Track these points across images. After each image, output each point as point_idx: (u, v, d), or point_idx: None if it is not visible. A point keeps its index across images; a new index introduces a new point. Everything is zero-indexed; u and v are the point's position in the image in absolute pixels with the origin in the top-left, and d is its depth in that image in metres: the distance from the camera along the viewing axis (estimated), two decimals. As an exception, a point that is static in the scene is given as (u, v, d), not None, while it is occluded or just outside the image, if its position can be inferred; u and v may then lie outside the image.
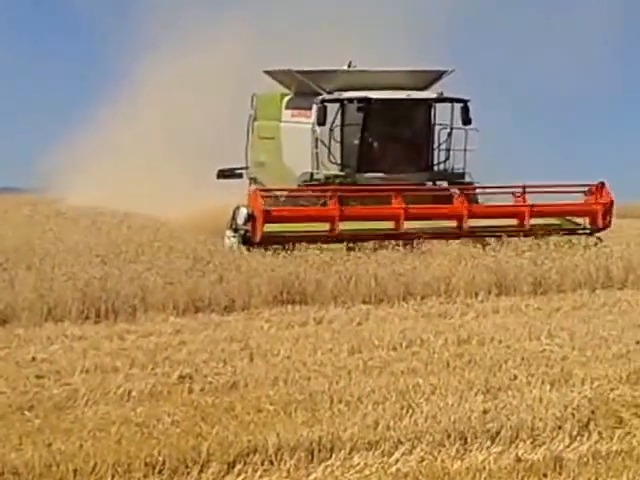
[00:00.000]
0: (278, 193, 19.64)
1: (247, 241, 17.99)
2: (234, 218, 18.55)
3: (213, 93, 26.00)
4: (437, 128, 20.27)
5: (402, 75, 20.49)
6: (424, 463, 7.68)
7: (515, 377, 10.09)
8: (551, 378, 9.98)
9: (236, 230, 18.18)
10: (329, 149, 19.78)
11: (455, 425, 8.33)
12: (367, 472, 7.56)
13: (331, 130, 19.75)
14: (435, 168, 20.32)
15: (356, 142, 20.01)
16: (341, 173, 19.83)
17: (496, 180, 20.21)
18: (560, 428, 8.31)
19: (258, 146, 22.08)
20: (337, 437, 8.06)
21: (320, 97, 19.82)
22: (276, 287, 15.16)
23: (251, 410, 9.02)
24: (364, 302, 15.15)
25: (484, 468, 7.51)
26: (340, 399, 9.27)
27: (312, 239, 17.57)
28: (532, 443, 8.04)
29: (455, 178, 20.19)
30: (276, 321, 13.54)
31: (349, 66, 20.66)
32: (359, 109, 19.86)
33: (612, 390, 9.47)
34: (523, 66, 34.17)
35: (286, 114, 21.28)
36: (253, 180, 22.03)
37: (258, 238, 17.83)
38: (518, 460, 7.69)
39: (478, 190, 19.89)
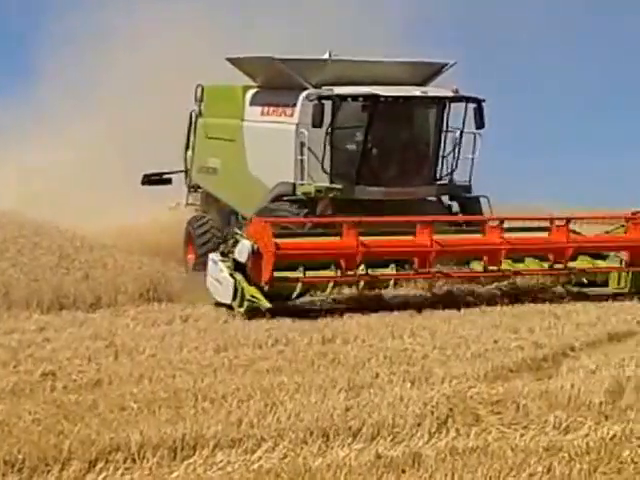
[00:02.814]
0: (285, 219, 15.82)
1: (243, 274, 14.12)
2: (225, 242, 14.98)
3: (154, 86, 22.67)
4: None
5: (399, 68, 17.35)
6: (286, 460, 7.76)
7: (377, 375, 10.28)
8: (412, 376, 10.19)
9: (224, 254, 14.41)
10: (323, 156, 16.29)
11: (318, 422, 8.45)
12: (229, 469, 7.61)
13: (327, 133, 16.26)
14: (442, 181, 17.13)
15: (356, 148, 16.63)
16: (337, 186, 16.31)
17: (494, 193, 17.13)
18: (419, 425, 8.48)
19: (206, 148, 18.64)
20: (201, 435, 8.09)
21: (313, 92, 16.45)
22: (143, 285, 15.09)
23: (115, 408, 8.99)
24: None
25: (345, 464, 7.63)
26: (205, 397, 9.31)
27: (328, 281, 14.39)
28: (392, 440, 8.20)
29: (460, 192, 17.10)
30: (142, 319, 13.49)
31: (330, 56, 17.27)
32: (364, 108, 16.49)
33: (470, 388, 9.71)
34: (531, 61, 30.83)
35: (252, 111, 17.66)
36: (194, 188, 19.06)
37: (265, 281, 13.88)
38: (378, 456, 7.82)
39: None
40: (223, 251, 14.50)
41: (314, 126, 16.08)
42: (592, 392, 9.44)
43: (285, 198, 16.45)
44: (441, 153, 17.01)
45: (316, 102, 16.16)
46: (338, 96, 16.32)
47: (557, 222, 15.40)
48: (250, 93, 17.76)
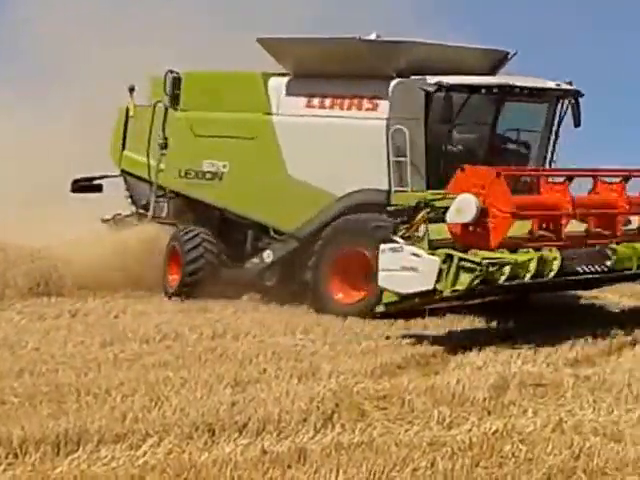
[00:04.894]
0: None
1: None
2: (410, 216, 12.11)
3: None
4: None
5: (470, 54, 14.89)
6: (172, 455, 7.69)
7: (265, 371, 10.27)
8: (299, 372, 10.19)
9: (406, 237, 11.86)
10: (426, 158, 13.87)
11: (204, 417, 8.40)
12: (114, 465, 7.51)
13: (450, 131, 13.97)
14: None
15: (464, 148, 14.28)
16: None
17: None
18: (305, 420, 8.49)
19: (194, 149, 15.69)
20: (84, 430, 7.97)
21: (432, 81, 13.85)
22: (33, 279, 14.91)
23: (-6, 402, 8.82)
24: (125, 297, 15.06)
25: (230, 460, 7.59)
26: (88, 391, 9.18)
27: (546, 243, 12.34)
28: (278, 435, 8.18)
29: None
30: (28, 313, 13.32)
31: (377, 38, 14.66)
32: (493, 101, 14.26)
33: (357, 384, 9.75)
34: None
35: (288, 103, 14.92)
36: (169, 198, 16.07)
37: (497, 244, 11.81)
38: (264, 452, 7.80)
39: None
40: (403, 235, 11.95)
41: (442, 123, 13.82)
42: (477, 388, 9.56)
43: (390, 209, 12.93)
44: (548, 155, 15.01)
45: (443, 94, 13.72)
46: (468, 87, 13.99)
47: None
48: (280, 81, 15.06)
